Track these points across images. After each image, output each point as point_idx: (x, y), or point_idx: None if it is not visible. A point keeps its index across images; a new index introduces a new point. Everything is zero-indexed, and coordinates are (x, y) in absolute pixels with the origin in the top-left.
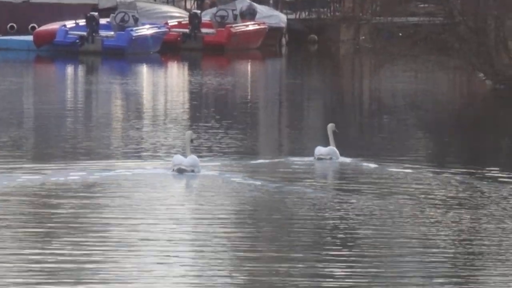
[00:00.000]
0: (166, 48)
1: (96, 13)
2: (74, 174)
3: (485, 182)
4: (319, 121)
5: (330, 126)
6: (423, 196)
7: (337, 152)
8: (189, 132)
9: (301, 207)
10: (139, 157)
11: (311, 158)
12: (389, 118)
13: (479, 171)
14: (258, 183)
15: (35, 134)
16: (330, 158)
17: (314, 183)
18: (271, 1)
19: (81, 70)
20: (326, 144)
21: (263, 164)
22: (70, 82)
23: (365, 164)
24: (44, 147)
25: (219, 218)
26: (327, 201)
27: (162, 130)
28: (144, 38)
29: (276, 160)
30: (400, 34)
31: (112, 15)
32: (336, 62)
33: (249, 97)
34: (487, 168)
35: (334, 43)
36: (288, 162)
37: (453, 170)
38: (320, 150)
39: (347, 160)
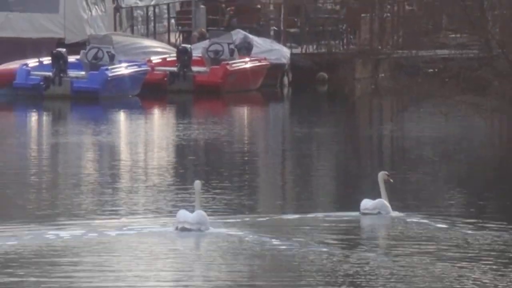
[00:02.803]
0: (149, 91)
1: (63, 50)
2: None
3: None
4: (332, 175)
5: (381, 175)
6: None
7: (387, 205)
8: (198, 181)
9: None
10: (127, 216)
11: (355, 213)
12: (415, 171)
13: None
14: (286, 244)
15: None
16: (378, 213)
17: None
18: (272, 33)
19: (45, 118)
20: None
21: (290, 221)
22: (32, 134)
23: (416, 220)
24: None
25: None
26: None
27: (149, 188)
28: (121, 78)
29: (308, 216)
30: (430, 70)
31: (83, 51)
32: (350, 105)
33: (256, 150)
34: None
35: (348, 82)
36: (319, 219)
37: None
38: (366, 203)
39: (399, 214)
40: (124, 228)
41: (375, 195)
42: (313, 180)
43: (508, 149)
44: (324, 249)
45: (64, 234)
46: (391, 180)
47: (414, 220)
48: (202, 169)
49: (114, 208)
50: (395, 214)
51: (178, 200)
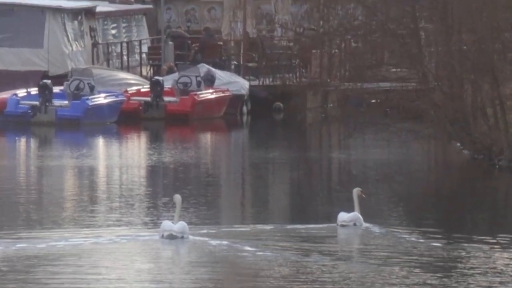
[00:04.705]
0: (125, 118)
1: (49, 81)
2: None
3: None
4: (290, 192)
5: (356, 191)
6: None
7: (361, 218)
8: (178, 196)
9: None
10: (112, 227)
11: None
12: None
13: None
14: (263, 252)
15: None
16: (354, 224)
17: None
18: (232, 67)
19: (33, 143)
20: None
21: (267, 232)
22: (21, 156)
23: (378, 230)
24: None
25: None
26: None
27: (129, 204)
28: (100, 107)
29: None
30: (373, 101)
31: (66, 82)
32: (302, 132)
33: (221, 170)
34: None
35: (301, 111)
36: (299, 229)
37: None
38: (343, 216)
39: (371, 226)
40: (110, 237)
41: (340, 209)
42: (274, 196)
43: (442, 171)
44: (305, 258)
45: (50, 243)
46: (364, 196)
47: (381, 231)
48: (175, 187)
49: (98, 220)
50: (366, 225)
51: (154, 213)
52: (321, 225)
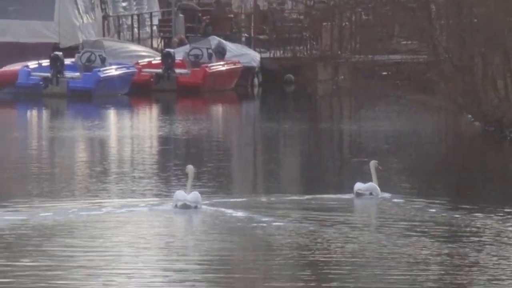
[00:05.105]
0: (137, 90)
1: (60, 53)
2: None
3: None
4: (302, 163)
5: (373, 163)
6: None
7: (378, 188)
8: (191, 166)
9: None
10: (125, 197)
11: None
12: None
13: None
14: (278, 222)
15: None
16: (370, 194)
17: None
18: (243, 39)
19: (44, 114)
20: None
21: (285, 202)
22: (33, 128)
23: (396, 200)
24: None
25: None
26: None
27: (144, 174)
28: (112, 79)
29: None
30: (384, 73)
31: (77, 54)
32: (313, 104)
33: (233, 141)
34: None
35: (311, 83)
36: (315, 199)
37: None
38: (359, 186)
39: (388, 196)
40: (122, 207)
41: (355, 180)
42: (287, 166)
43: (454, 143)
44: (322, 228)
45: (61, 213)
46: (380, 168)
47: (398, 201)
48: (187, 157)
49: (110, 190)
50: (383, 195)
51: (167, 184)
52: (337, 196)
